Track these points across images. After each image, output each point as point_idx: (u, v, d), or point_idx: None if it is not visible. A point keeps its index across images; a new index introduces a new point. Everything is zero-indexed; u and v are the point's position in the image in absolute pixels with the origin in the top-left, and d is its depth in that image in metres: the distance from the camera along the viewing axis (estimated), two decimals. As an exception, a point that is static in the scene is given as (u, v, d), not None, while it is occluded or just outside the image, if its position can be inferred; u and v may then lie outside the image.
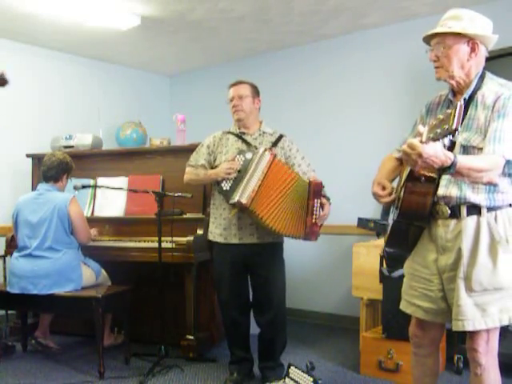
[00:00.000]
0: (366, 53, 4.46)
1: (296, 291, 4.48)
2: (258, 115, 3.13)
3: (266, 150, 2.88)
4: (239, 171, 2.85)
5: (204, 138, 3.18)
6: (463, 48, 1.93)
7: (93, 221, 3.81)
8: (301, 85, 4.83)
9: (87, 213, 4.02)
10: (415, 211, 1.91)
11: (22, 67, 4.61)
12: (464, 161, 1.74)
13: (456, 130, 1.57)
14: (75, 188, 3.57)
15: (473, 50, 1.93)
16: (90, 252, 3.64)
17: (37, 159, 4.20)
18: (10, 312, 4.06)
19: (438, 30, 1.95)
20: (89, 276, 3.50)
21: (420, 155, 1.63)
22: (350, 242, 3.91)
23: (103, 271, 3.67)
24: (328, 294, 4.62)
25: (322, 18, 4.17)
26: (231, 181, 2.86)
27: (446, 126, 1.58)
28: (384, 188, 2.08)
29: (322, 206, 2.84)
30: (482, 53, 1.97)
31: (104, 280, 3.66)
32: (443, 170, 1.71)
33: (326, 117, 4.66)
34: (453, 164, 1.69)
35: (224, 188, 2.88)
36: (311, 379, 2.72)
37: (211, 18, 4.17)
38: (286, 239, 3.10)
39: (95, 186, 4.07)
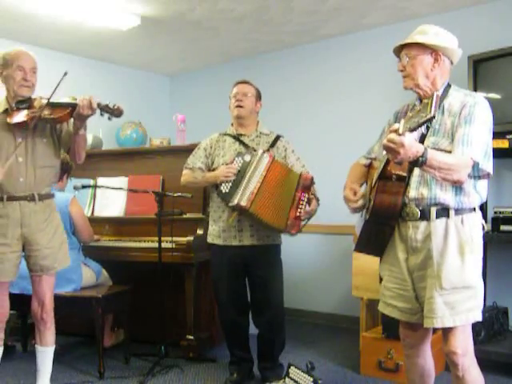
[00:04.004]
0: (366, 53, 4.45)
1: (296, 291, 4.49)
2: (256, 118, 3.14)
3: (264, 151, 2.87)
4: (238, 174, 2.85)
5: (204, 138, 3.18)
6: (427, 58, 2.04)
7: (93, 221, 3.80)
8: (301, 85, 4.83)
9: (87, 213, 4.02)
10: (387, 210, 1.99)
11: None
12: (434, 152, 1.84)
13: (434, 116, 1.66)
14: (75, 188, 3.56)
15: (436, 60, 2.05)
16: (90, 252, 3.64)
17: (37, 159, 4.19)
18: (10, 312, 4.05)
19: (404, 41, 2.09)
20: (89, 277, 3.50)
21: (402, 145, 1.70)
22: (349, 242, 3.89)
23: (104, 271, 3.67)
24: (328, 294, 4.62)
25: (321, 18, 4.17)
26: (230, 183, 2.86)
27: (424, 114, 1.66)
28: (355, 193, 2.17)
29: (309, 201, 2.84)
30: (446, 64, 2.08)
31: (105, 280, 3.66)
32: (416, 161, 1.77)
33: (326, 116, 4.66)
34: (425, 152, 1.77)
35: (223, 191, 2.88)
36: (311, 379, 2.72)
37: (211, 18, 4.17)
38: (285, 239, 3.10)
39: (95, 186, 4.07)
